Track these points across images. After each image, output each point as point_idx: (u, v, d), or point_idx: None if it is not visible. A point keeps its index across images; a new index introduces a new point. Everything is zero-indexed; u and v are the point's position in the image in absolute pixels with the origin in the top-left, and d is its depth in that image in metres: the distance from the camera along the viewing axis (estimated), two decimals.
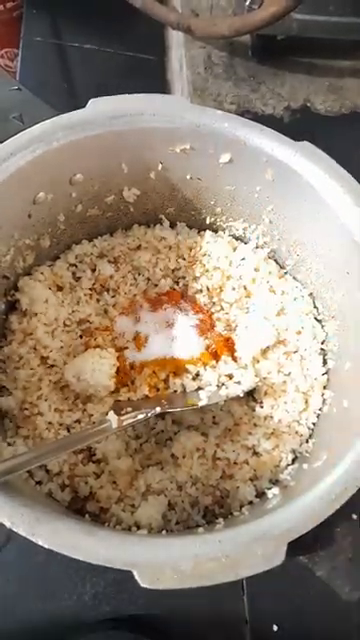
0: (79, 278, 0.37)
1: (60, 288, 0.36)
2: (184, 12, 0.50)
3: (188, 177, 0.36)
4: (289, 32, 0.48)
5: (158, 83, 0.51)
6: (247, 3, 0.46)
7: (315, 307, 0.37)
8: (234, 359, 0.35)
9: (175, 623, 0.33)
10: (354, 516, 0.33)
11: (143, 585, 0.23)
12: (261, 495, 0.32)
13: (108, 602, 0.33)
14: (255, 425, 0.34)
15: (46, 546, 0.23)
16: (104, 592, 0.33)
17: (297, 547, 0.24)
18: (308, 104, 0.50)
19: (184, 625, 0.33)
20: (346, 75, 0.51)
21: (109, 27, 0.53)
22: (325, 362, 0.35)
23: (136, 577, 0.23)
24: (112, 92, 0.33)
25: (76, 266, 0.38)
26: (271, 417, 0.34)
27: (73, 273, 0.37)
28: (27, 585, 0.33)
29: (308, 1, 0.42)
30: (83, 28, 0.53)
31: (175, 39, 0.52)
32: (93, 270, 0.38)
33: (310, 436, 0.34)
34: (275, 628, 0.33)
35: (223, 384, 0.34)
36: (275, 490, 0.31)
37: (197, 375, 0.34)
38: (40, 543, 0.24)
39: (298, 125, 0.48)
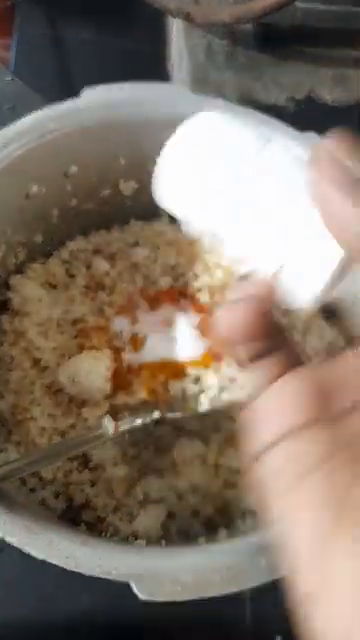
0: (73, 275, 0.36)
1: (53, 286, 0.35)
2: None
3: None
4: (292, 21, 0.47)
5: (158, 73, 0.50)
6: None
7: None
8: None
9: (175, 632, 0.32)
10: None
11: (141, 597, 0.22)
12: None
13: (105, 612, 0.32)
14: None
15: (39, 557, 0.23)
16: (101, 602, 0.32)
17: None
18: (313, 94, 0.49)
19: (184, 635, 0.32)
20: (352, 65, 0.51)
21: (106, 16, 0.52)
22: None
23: (134, 589, 0.22)
24: (109, 82, 0.32)
25: (70, 263, 0.37)
26: None
27: (67, 270, 0.36)
28: (22, 595, 0.32)
29: None
30: (79, 17, 0.52)
31: (175, 27, 0.51)
32: (88, 267, 0.36)
33: None
34: (279, 639, 0.32)
35: (225, 388, 0.33)
36: None
37: (198, 378, 0.33)
38: (33, 554, 0.23)
39: (303, 115, 0.47)
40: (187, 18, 0.45)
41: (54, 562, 0.23)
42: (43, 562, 0.23)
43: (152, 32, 0.51)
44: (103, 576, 0.22)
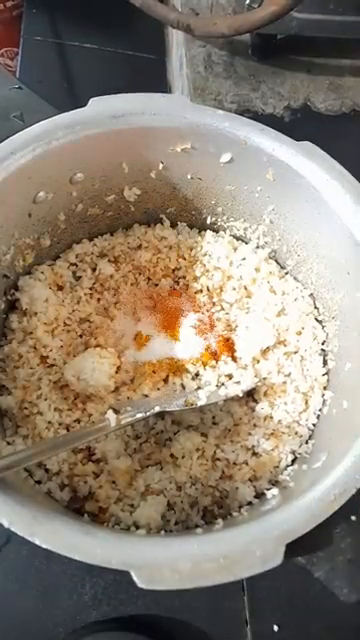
0: (79, 277, 0.37)
1: (60, 287, 0.36)
2: (184, 11, 0.50)
3: (189, 177, 0.35)
4: (289, 31, 0.48)
5: (158, 82, 0.51)
6: (247, 2, 0.46)
7: (316, 308, 0.37)
8: (234, 359, 0.35)
9: (175, 624, 0.33)
10: (353, 517, 0.33)
11: (140, 585, 0.22)
12: (260, 496, 0.32)
13: (108, 602, 0.33)
14: (255, 425, 0.34)
15: (44, 546, 0.23)
16: (104, 592, 0.33)
17: (296, 548, 0.24)
18: (308, 103, 0.50)
19: (184, 626, 0.33)
20: (346, 74, 0.51)
21: (109, 26, 0.53)
22: (325, 363, 0.35)
23: (134, 577, 0.23)
24: (112, 91, 0.33)
25: (76, 265, 0.38)
26: (271, 418, 0.34)
27: (73, 272, 0.37)
28: (26, 585, 0.33)
29: (308, 0, 0.42)
30: (83, 27, 0.53)
31: (175, 38, 0.52)
32: (93, 269, 0.37)
33: (310, 437, 0.34)
34: (276, 628, 0.33)
35: (223, 384, 0.34)
36: (274, 491, 0.31)
37: (197, 375, 0.34)
38: (38, 543, 0.23)
39: (298, 124, 0.48)
40: (188, 30, 0.45)
41: (58, 551, 0.23)
42: (47, 554, 0.23)
43: (153, 43, 0.52)
44: (104, 565, 0.23)
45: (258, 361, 0.35)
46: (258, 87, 0.50)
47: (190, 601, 0.33)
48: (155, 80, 0.51)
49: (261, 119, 0.34)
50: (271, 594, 0.34)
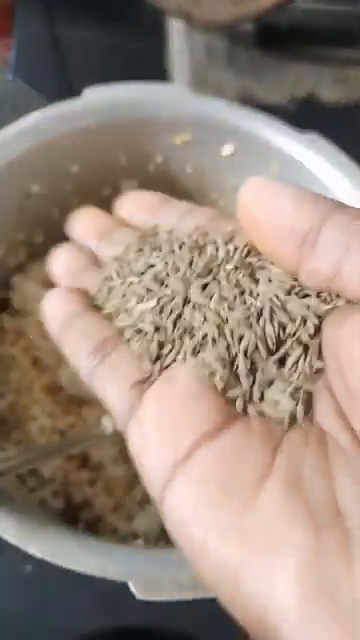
0: None
1: (54, 286, 0.35)
2: None
3: (189, 169, 0.34)
4: (293, 21, 0.47)
5: (158, 72, 0.50)
6: None
7: None
8: None
9: (174, 635, 0.32)
10: None
11: (139, 597, 0.22)
12: None
13: (104, 613, 0.32)
14: None
15: (38, 555, 0.22)
16: (100, 603, 0.32)
17: None
18: (313, 94, 0.49)
19: (184, 638, 0.32)
20: (352, 65, 0.50)
21: (107, 15, 0.52)
22: None
23: (131, 588, 0.22)
24: (110, 82, 0.32)
25: None
26: None
27: None
28: (19, 598, 0.32)
29: None
30: (80, 16, 0.52)
31: (175, 27, 0.51)
32: None
33: None
34: None
35: None
36: None
37: None
38: (31, 552, 0.23)
39: (302, 116, 0.47)
40: (188, 18, 0.45)
41: (52, 560, 0.22)
42: (39, 565, 0.22)
43: (152, 31, 0.51)
44: (100, 575, 0.22)
45: None
46: (261, 78, 0.49)
47: (190, 612, 0.32)
48: (155, 70, 0.50)
49: (264, 110, 0.32)
50: None
